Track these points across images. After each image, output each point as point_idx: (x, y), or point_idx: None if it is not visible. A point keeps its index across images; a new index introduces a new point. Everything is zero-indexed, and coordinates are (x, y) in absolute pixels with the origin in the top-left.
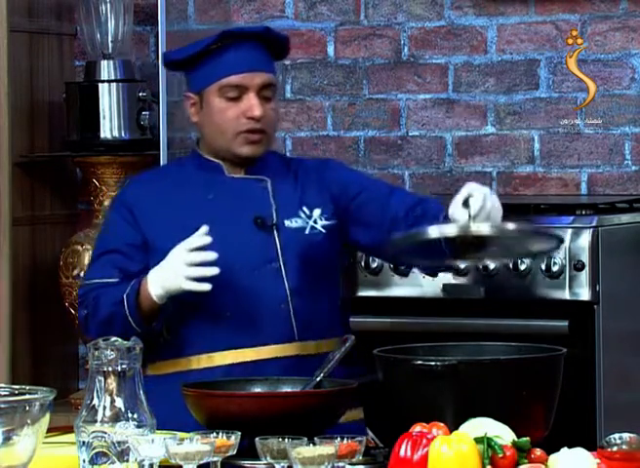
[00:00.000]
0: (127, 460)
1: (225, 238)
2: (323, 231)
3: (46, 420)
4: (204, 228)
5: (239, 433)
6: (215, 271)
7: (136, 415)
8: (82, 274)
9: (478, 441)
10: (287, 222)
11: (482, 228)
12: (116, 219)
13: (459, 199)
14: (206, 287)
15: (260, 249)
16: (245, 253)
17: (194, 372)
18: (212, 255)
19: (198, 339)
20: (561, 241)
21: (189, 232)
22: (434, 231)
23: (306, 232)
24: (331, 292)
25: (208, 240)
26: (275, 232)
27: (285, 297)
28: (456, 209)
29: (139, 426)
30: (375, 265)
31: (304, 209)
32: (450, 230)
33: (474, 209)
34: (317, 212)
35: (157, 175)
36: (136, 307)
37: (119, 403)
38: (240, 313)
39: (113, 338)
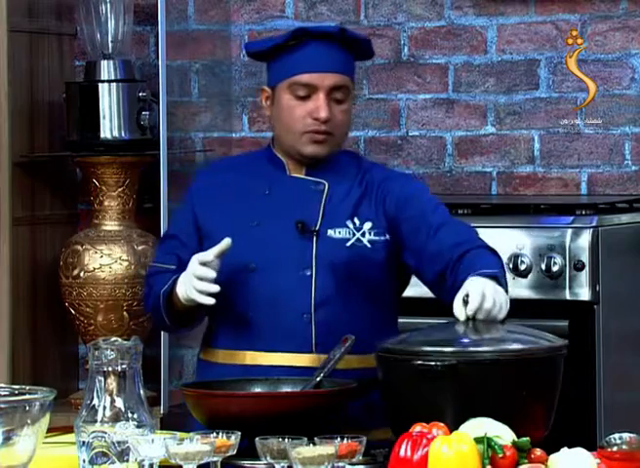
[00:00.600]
0: (127, 460)
1: (265, 237)
2: (368, 246)
3: (46, 420)
4: (226, 241)
5: (239, 433)
6: (214, 289)
7: (136, 415)
8: (82, 274)
9: (478, 441)
10: (330, 231)
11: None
12: (181, 207)
13: (458, 296)
14: (209, 301)
15: (295, 253)
16: (279, 256)
17: (216, 366)
18: (211, 275)
19: (222, 334)
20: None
21: (240, 224)
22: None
23: (348, 244)
24: (366, 309)
25: (211, 258)
26: (314, 239)
27: (309, 307)
28: (456, 306)
29: (139, 426)
30: None
31: (355, 220)
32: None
33: (470, 309)
34: (368, 225)
35: (229, 164)
36: (167, 306)
37: (119, 403)
38: (262, 315)
39: (113, 338)
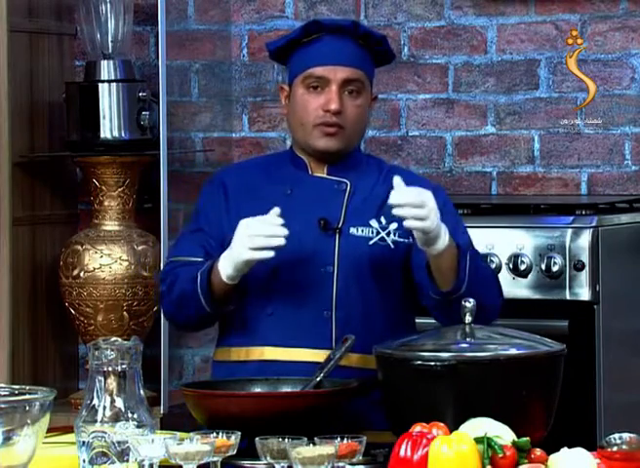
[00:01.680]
0: (127, 460)
1: (288, 234)
2: (392, 246)
3: (46, 420)
4: (276, 210)
5: (239, 433)
6: (280, 242)
7: (136, 415)
8: (82, 274)
9: (478, 441)
10: (352, 229)
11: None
12: (208, 199)
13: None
14: (267, 254)
15: (317, 251)
16: (301, 253)
17: (230, 364)
18: (277, 221)
19: (241, 331)
20: None
21: None
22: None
23: (371, 243)
24: (385, 308)
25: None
26: (337, 236)
27: (330, 304)
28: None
29: (139, 426)
30: None
31: (382, 219)
32: None
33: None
34: (394, 226)
35: (254, 164)
36: (207, 286)
37: (119, 403)
38: (282, 311)
39: (113, 338)
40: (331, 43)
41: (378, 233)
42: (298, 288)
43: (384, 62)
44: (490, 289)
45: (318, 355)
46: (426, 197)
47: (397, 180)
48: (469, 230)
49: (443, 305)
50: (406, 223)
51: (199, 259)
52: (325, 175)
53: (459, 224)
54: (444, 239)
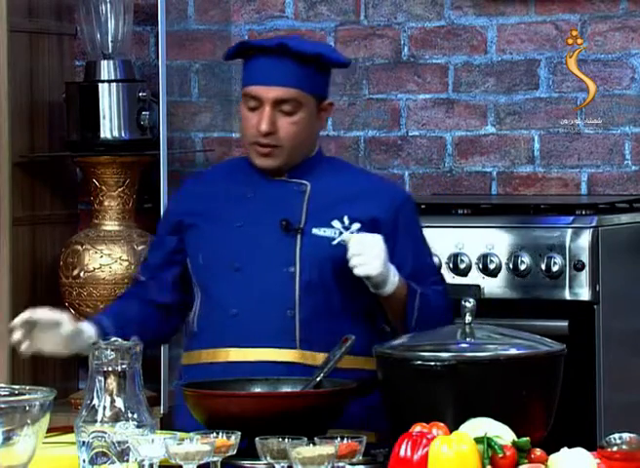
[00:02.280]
0: (127, 460)
1: (249, 237)
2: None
3: (46, 420)
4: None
5: (239, 433)
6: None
7: (136, 415)
8: (82, 274)
9: (478, 441)
10: (315, 230)
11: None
12: (160, 223)
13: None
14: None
15: (280, 251)
16: (263, 254)
17: (198, 366)
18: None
19: (206, 334)
20: None
21: (224, 226)
22: None
23: (334, 243)
24: (350, 308)
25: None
26: (299, 237)
27: (293, 303)
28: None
29: (139, 426)
30: None
31: (344, 219)
32: None
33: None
34: (356, 226)
35: (212, 173)
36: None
37: (119, 403)
38: (246, 312)
39: (113, 338)
40: (265, 62)
41: (340, 233)
42: (261, 288)
43: (341, 67)
44: (438, 322)
45: (283, 354)
46: (368, 245)
47: (346, 236)
48: (469, 230)
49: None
50: (354, 271)
51: (142, 279)
52: (285, 178)
53: (422, 246)
54: (392, 281)
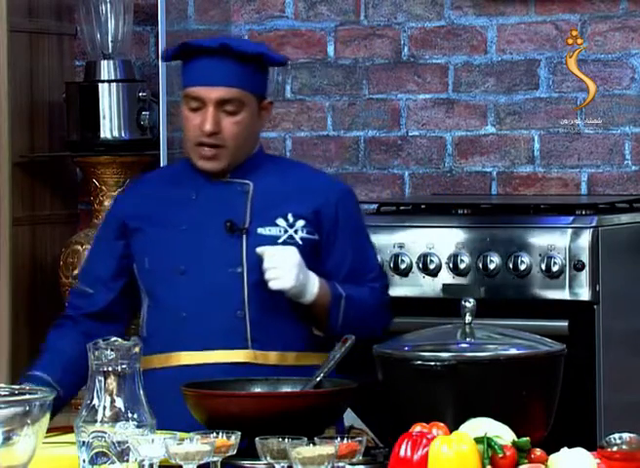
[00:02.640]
0: (127, 460)
1: (194, 239)
2: (300, 243)
3: (46, 420)
4: None
5: (239, 433)
6: None
7: (136, 415)
8: None
9: (478, 441)
10: (260, 229)
11: None
12: (102, 229)
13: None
14: None
15: (226, 252)
16: (208, 256)
17: (152, 372)
18: None
19: (157, 339)
20: None
21: (168, 229)
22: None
23: (280, 241)
24: (302, 307)
25: None
26: (244, 237)
27: (242, 304)
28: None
29: (139, 426)
30: None
31: (289, 217)
32: None
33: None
34: (301, 223)
35: (156, 176)
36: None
37: (119, 403)
38: (195, 315)
39: (113, 338)
40: (206, 63)
41: (285, 231)
42: (208, 290)
43: (279, 65)
44: (368, 325)
45: (235, 355)
46: (282, 258)
47: (259, 250)
48: (469, 230)
49: None
50: (269, 285)
51: (89, 290)
52: (227, 179)
53: (364, 240)
54: (311, 292)
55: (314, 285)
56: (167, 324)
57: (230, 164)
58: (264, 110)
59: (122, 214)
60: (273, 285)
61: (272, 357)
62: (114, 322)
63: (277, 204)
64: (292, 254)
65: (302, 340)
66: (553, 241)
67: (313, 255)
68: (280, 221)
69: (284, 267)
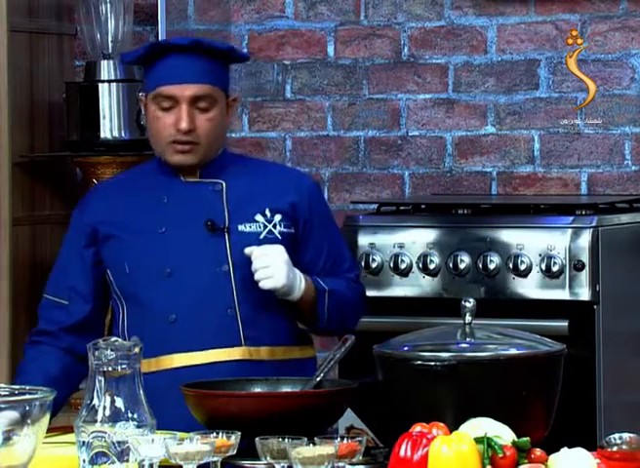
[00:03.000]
0: (127, 460)
1: (176, 241)
2: (279, 237)
3: (46, 420)
4: None
5: (239, 433)
6: None
7: (136, 415)
8: None
9: (478, 441)
10: (240, 227)
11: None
12: (72, 237)
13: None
14: None
15: (210, 252)
16: (194, 257)
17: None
18: None
19: (148, 343)
20: None
21: (146, 233)
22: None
23: (261, 237)
24: (286, 302)
25: None
26: (226, 235)
27: (232, 302)
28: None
29: (139, 426)
30: (374, 265)
31: (267, 211)
32: None
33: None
34: (278, 217)
35: (122, 180)
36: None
37: (119, 403)
38: (185, 316)
39: (113, 338)
40: (177, 61)
41: (265, 226)
42: (196, 291)
43: (241, 61)
44: (350, 316)
45: (229, 353)
46: (271, 258)
47: (247, 251)
48: (469, 230)
49: None
50: (260, 285)
51: (64, 302)
52: (198, 179)
53: (336, 231)
54: (299, 288)
55: (301, 280)
56: (154, 327)
57: (202, 160)
58: (230, 107)
59: (91, 220)
60: (265, 284)
61: (263, 352)
62: (92, 333)
63: (253, 200)
64: (280, 253)
65: (289, 334)
66: (553, 241)
67: (291, 249)
68: (258, 217)
69: (274, 266)
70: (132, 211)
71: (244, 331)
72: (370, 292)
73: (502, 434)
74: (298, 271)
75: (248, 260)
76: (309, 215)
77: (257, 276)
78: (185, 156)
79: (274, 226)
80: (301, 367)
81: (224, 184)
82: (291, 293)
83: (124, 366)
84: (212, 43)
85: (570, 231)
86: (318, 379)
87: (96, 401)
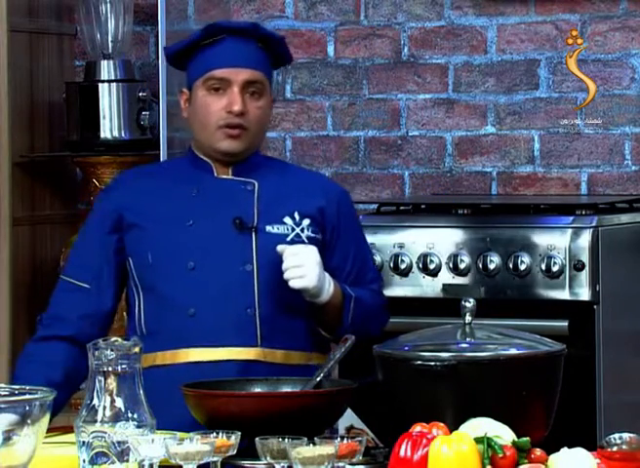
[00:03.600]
0: (127, 460)
1: (202, 235)
2: (306, 242)
3: (46, 420)
4: None
5: (239, 433)
6: None
7: (136, 415)
8: None
9: (478, 441)
10: (268, 228)
11: None
12: (96, 221)
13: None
14: None
15: (236, 250)
16: (219, 253)
17: (156, 369)
18: None
19: (165, 335)
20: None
21: (174, 225)
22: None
23: (288, 239)
24: (309, 304)
25: None
26: (253, 235)
27: (252, 302)
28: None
29: (139, 426)
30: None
31: (295, 215)
32: None
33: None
34: (306, 221)
35: (150, 170)
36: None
37: (119, 403)
38: (205, 311)
39: (113, 338)
40: (232, 45)
41: (293, 230)
42: (218, 287)
43: (282, 64)
44: (372, 326)
45: (245, 353)
46: (304, 257)
47: (280, 248)
48: (469, 230)
49: None
50: (290, 284)
51: (85, 285)
52: (230, 177)
53: (363, 240)
54: (328, 290)
55: (330, 283)
56: (173, 320)
57: (248, 149)
58: (272, 104)
59: (117, 206)
60: (295, 283)
61: (279, 355)
62: (109, 322)
63: (282, 202)
64: (313, 254)
65: (308, 340)
66: (553, 241)
67: (322, 254)
68: (287, 220)
69: (306, 266)
70: (159, 201)
71: (261, 332)
72: None
73: (502, 434)
74: (327, 274)
75: (273, 261)
76: (337, 222)
77: (287, 275)
78: (234, 142)
79: (302, 230)
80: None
81: (256, 184)
82: (319, 296)
83: (124, 366)
84: (268, 30)
85: (570, 231)
86: (318, 379)
87: (96, 401)
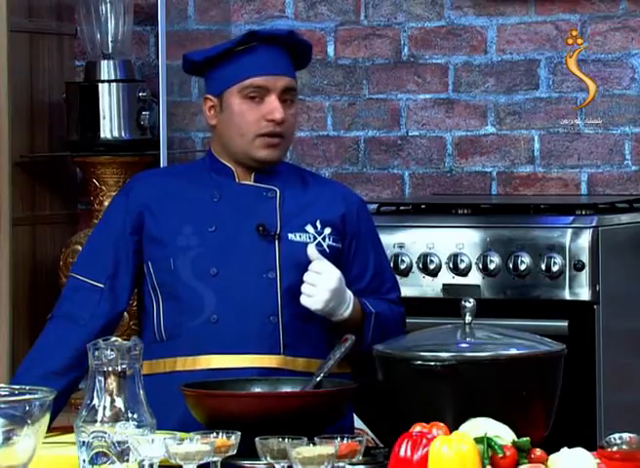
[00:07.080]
0: (127, 460)
1: (225, 242)
2: (327, 251)
3: (46, 420)
4: None
5: (239, 433)
6: None
7: (136, 415)
8: None
9: (478, 441)
10: (290, 235)
11: None
12: (115, 220)
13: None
14: None
15: (259, 257)
16: (242, 259)
17: (177, 374)
18: None
19: (185, 341)
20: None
21: (196, 230)
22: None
23: None
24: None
25: None
26: (276, 242)
27: (275, 309)
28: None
29: (139, 426)
30: None
31: (317, 223)
32: None
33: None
34: (328, 230)
35: (167, 172)
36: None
37: (119, 403)
38: (227, 318)
39: (113, 338)
40: (267, 52)
41: (314, 238)
42: (241, 294)
43: (299, 69)
44: (392, 335)
45: (267, 360)
46: (321, 280)
47: (311, 251)
48: (469, 230)
49: None
50: (300, 298)
51: (99, 285)
52: (253, 183)
53: (381, 249)
54: (346, 310)
55: (350, 302)
56: (195, 326)
57: (283, 157)
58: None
59: (139, 206)
60: (303, 301)
61: (300, 363)
62: (118, 323)
63: (304, 210)
64: (332, 279)
65: (329, 348)
66: (553, 241)
67: (335, 264)
68: (309, 228)
69: (319, 288)
70: (180, 204)
71: (284, 340)
72: None
73: (502, 434)
74: (349, 292)
75: (295, 269)
76: (357, 230)
77: (302, 288)
78: (274, 151)
79: (323, 239)
80: None
81: (278, 191)
82: (332, 316)
83: (124, 366)
84: (302, 38)
85: (570, 231)
86: (318, 379)
87: (96, 401)
